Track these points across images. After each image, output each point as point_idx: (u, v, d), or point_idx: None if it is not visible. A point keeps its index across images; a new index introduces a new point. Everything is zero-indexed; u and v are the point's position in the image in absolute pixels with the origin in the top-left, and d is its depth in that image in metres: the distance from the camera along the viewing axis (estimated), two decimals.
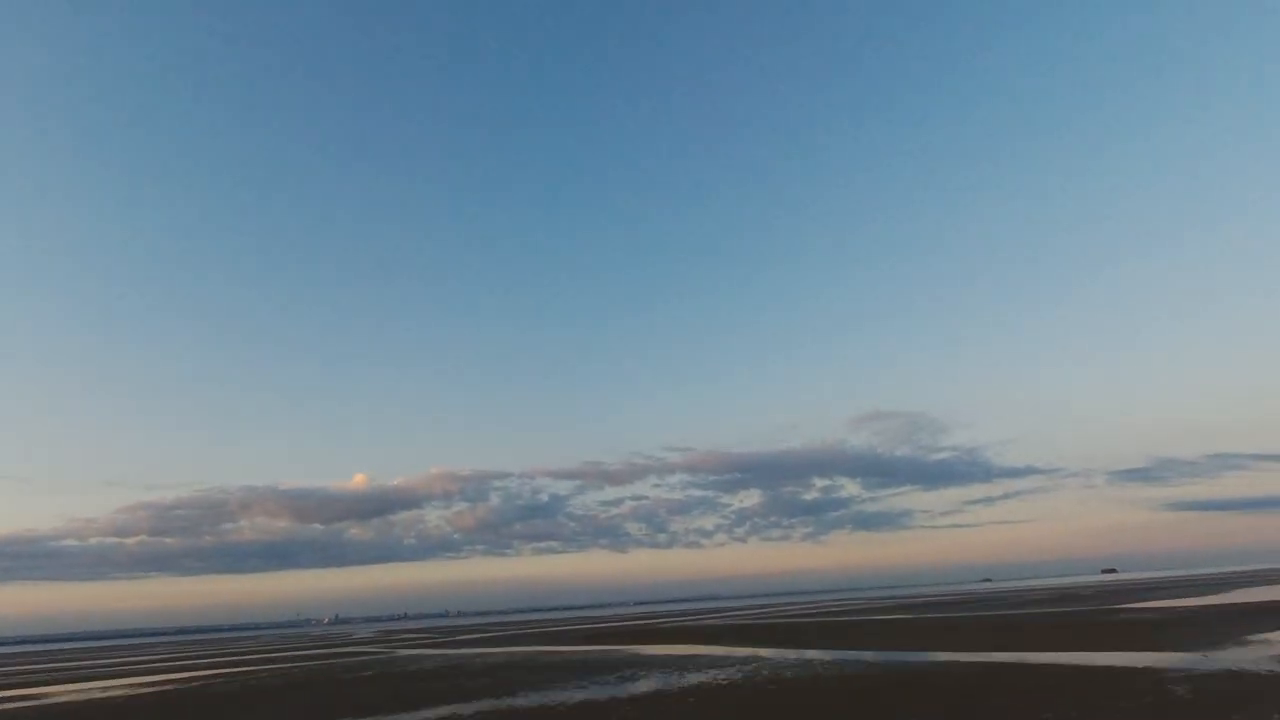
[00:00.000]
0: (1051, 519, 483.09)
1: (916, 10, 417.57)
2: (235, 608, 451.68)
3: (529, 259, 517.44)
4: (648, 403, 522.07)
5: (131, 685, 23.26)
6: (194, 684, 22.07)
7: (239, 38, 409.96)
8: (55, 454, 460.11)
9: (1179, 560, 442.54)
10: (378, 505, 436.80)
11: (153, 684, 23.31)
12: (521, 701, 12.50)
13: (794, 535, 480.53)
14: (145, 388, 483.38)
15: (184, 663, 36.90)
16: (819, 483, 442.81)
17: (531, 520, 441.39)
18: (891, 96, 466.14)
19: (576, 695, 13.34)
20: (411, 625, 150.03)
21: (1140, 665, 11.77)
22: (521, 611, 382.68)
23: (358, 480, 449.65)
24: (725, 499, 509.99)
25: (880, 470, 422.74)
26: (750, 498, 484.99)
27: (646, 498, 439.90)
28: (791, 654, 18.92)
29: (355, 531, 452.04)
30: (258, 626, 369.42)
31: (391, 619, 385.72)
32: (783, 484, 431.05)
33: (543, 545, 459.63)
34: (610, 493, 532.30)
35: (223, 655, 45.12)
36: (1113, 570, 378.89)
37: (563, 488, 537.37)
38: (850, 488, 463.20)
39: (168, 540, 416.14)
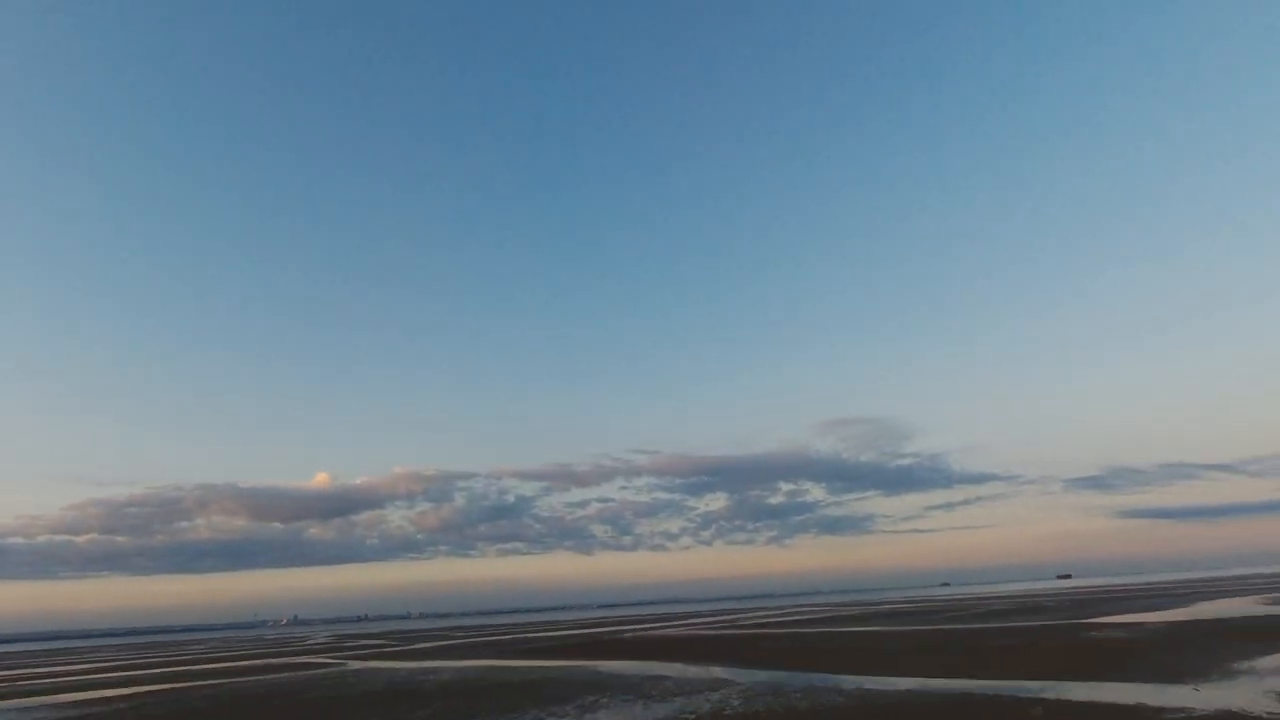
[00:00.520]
0: (1009, 525, 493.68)
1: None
2: (190, 608, 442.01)
3: (499, 261, 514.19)
4: (617, 405, 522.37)
5: (53, 707, 21.62)
6: (119, 705, 20.53)
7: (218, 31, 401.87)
8: (0, 448, 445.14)
9: (1130, 567, 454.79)
10: (339, 505, 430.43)
11: (77, 704, 21.70)
12: None
13: (759, 539, 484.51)
14: (96, 381, 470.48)
15: (121, 674, 34.96)
16: (785, 487, 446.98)
17: (497, 521, 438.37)
18: (862, 108, 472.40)
19: None
20: (371, 628, 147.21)
21: (1129, 702, 11.06)
22: (484, 614, 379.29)
23: (319, 479, 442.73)
24: (691, 502, 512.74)
25: (845, 475, 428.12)
26: (716, 501, 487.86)
27: (613, 500, 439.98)
28: (762, 676, 18.06)
29: (316, 531, 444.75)
30: (212, 628, 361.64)
31: (351, 620, 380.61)
32: (749, 488, 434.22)
33: (507, 546, 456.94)
34: (577, 494, 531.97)
35: (166, 662, 43.06)
36: (1068, 576, 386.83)
37: (529, 489, 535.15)
38: (815, 492, 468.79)
39: (119, 538, 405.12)
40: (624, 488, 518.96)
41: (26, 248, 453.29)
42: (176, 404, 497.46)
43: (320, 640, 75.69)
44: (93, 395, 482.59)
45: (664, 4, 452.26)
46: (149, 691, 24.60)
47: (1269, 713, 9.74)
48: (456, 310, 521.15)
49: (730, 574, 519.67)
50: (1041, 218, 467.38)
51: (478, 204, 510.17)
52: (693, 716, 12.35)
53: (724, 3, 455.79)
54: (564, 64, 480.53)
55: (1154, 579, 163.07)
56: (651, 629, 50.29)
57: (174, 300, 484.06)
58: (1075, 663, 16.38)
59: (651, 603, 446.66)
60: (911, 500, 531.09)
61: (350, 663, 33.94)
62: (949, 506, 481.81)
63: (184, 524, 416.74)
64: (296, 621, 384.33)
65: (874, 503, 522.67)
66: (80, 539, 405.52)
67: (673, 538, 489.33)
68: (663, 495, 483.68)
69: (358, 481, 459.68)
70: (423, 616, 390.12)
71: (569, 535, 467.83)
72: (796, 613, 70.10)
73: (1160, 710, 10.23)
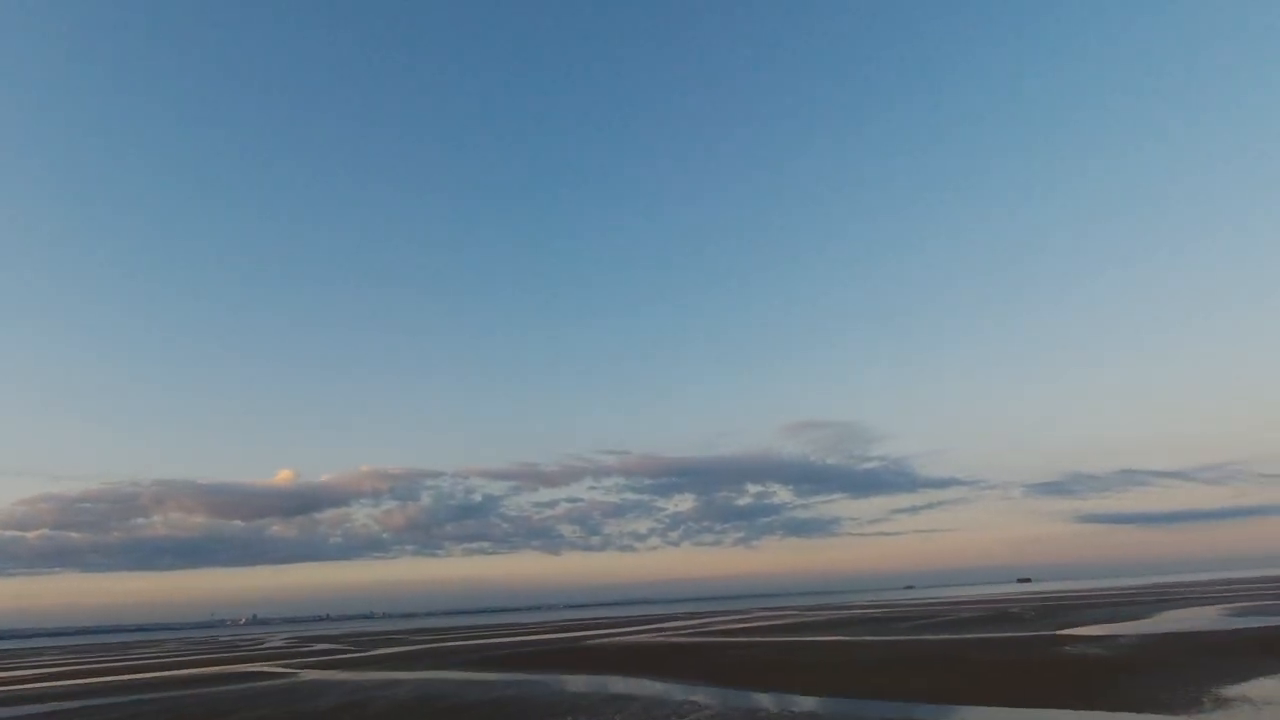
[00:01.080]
0: (971, 528, 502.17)
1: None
2: (146, 607, 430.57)
3: (472, 263, 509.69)
4: (587, 406, 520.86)
5: None
6: None
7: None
8: None
9: (1088, 571, 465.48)
10: (303, 502, 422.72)
11: None
12: None
13: (726, 540, 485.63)
14: (51, 373, 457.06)
15: (56, 684, 33.01)
16: (752, 489, 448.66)
17: (464, 520, 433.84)
18: (833, 119, 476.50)
19: None
20: (331, 629, 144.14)
21: None
22: (450, 614, 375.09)
23: (282, 476, 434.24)
24: (660, 503, 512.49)
25: (811, 478, 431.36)
26: (685, 502, 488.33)
27: (581, 500, 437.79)
28: (733, 695, 17.17)
29: (278, 529, 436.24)
30: (168, 627, 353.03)
31: (312, 620, 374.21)
32: (717, 489, 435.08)
33: (474, 546, 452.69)
34: (545, 494, 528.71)
35: (109, 669, 40.94)
36: (1028, 579, 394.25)
37: (497, 488, 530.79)
38: (782, 494, 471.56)
39: (73, 535, 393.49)
40: (593, 488, 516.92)
41: None
42: (135, 398, 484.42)
43: (276, 643, 73.42)
44: (47, 388, 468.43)
45: (628, 19, 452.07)
46: (78, 710, 22.98)
47: None
48: (427, 310, 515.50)
49: (698, 575, 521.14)
50: (1007, 232, 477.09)
51: (450, 205, 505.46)
52: None
53: (683, 21, 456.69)
54: (549, 68, 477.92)
55: (1112, 584, 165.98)
56: (619, 635, 49.27)
57: (133, 293, 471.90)
58: (1062, 685, 15.71)
59: (619, 603, 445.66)
60: (877, 503, 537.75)
61: (303, 672, 32.42)
62: (913, 510, 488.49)
63: (140, 520, 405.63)
64: (255, 621, 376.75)
65: (840, 505, 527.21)
66: (31, 535, 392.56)
67: (641, 538, 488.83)
68: (631, 496, 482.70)
69: (322, 479, 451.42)
70: (386, 617, 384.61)
71: (537, 535, 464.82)
72: (766, 617, 69.58)
73: None
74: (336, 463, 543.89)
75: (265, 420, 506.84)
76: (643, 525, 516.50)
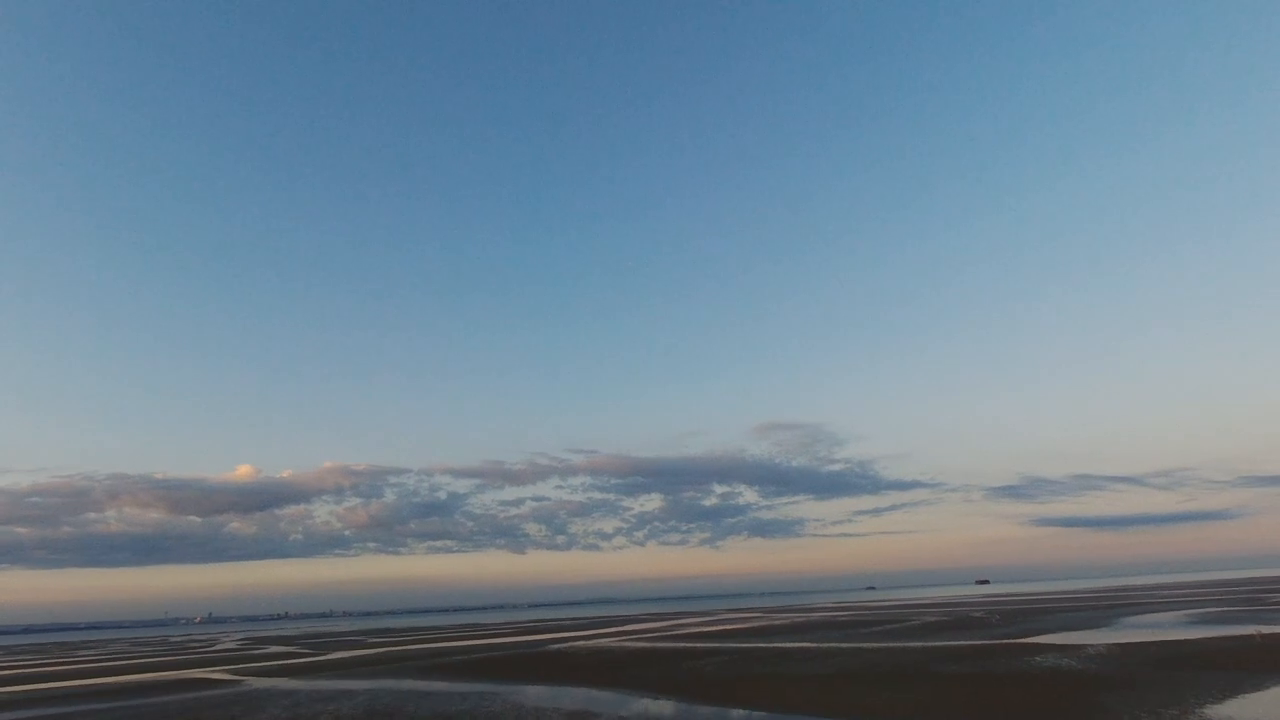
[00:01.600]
0: (932, 530, 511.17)
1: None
2: (97, 604, 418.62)
3: (441, 260, 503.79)
4: (555, 405, 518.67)
5: None
6: None
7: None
8: None
9: (1043, 573, 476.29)
10: (263, 498, 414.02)
11: None
12: None
13: (692, 540, 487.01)
14: (2, 363, 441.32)
15: None
16: (719, 489, 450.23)
17: (428, 518, 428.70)
18: (802, 129, 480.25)
19: None
20: (288, 629, 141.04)
21: None
22: (412, 613, 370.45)
23: (242, 471, 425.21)
24: (626, 502, 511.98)
25: (777, 479, 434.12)
26: (651, 502, 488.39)
27: (548, 499, 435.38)
28: (699, 713, 16.34)
29: (236, 525, 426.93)
30: (120, 625, 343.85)
31: (270, 619, 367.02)
32: (684, 489, 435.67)
33: (438, 544, 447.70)
34: (511, 492, 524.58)
35: (44, 674, 38.77)
36: (986, 581, 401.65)
37: (462, 486, 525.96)
38: (748, 495, 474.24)
39: (20, 529, 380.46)
40: (559, 487, 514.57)
41: None
42: (89, 389, 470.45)
43: (229, 645, 71.07)
44: None
45: (578, 28, 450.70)
46: None
47: None
48: (395, 307, 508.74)
49: (663, 574, 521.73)
50: (972, 245, 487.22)
51: (420, 205, 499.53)
52: None
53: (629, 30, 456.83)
54: (524, 72, 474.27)
55: (1068, 586, 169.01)
56: (583, 637, 48.30)
57: (89, 284, 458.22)
58: (1042, 703, 15.13)
59: (584, 603, 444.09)
60: (841, 505, 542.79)
61: (249, 680, 30.90)
62: (876, 512, 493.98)
63: (93, 515, 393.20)
64: (212, 619, 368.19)
65: (805, 507, 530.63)
66: None
67: (606, 537, 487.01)
68: (598, 495, 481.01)
69: (283, 475, 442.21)
70: (347, 615, 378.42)
71: (502, 533, 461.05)
72: (731, 620, 69.05)
73: None
74: (298, 458, 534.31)
75: (225, 414, 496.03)
76: (609, 525, 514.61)
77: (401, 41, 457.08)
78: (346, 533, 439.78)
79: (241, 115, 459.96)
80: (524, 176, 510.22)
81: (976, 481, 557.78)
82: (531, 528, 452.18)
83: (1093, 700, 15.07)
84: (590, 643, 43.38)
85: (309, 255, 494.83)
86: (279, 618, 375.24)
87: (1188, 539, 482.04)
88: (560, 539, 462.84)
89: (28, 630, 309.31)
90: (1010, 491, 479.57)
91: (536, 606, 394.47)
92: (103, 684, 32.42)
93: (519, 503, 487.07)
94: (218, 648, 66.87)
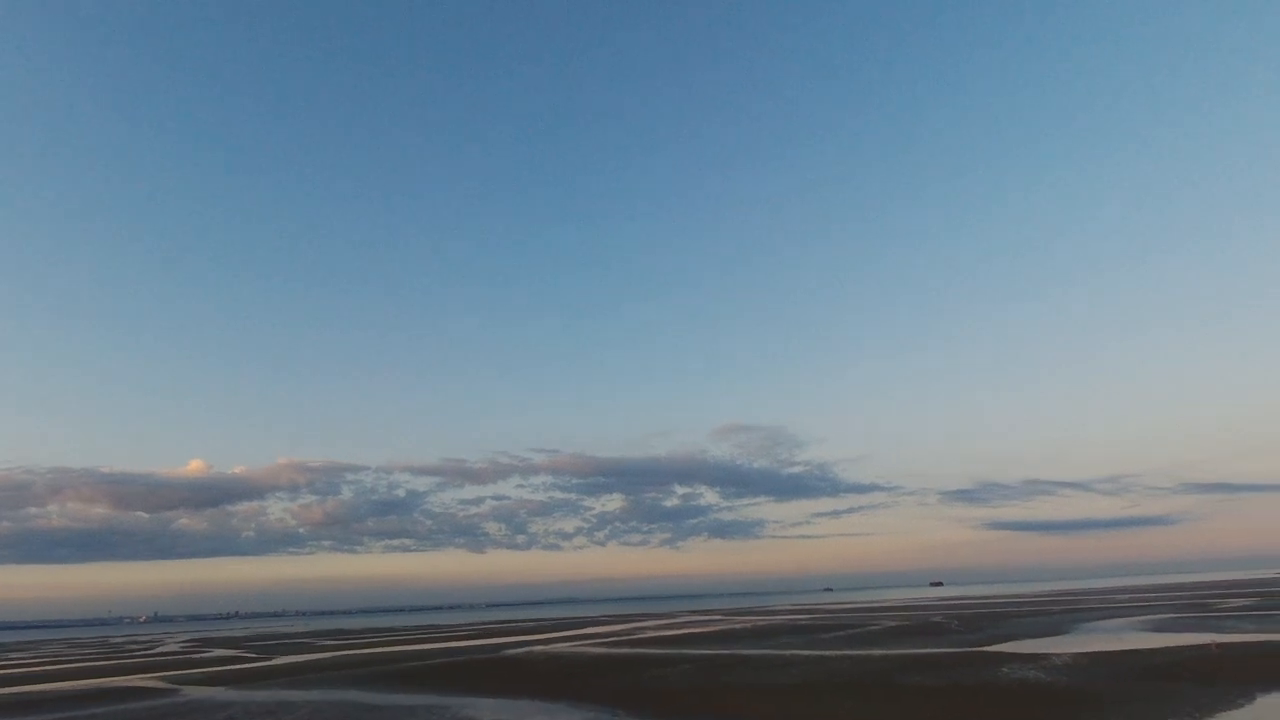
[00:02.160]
0: (889, 533, 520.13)
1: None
2: (38, 602, 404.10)
3: (400, 257, 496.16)
4: (517, 404, 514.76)
5: None
6: None
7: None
8: None
9: (995, 576, 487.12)
10: (214, 494, 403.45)
11: None
12: None
13: (652, 540, 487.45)
14: None
15: None
16: (680, 490, 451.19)
17: (385, 516, 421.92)
18: (769, 135, 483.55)
19: None
20: (236, 629, 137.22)
21: None
22: (367, 613, 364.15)
23: (193, 466, 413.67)
24: (588, 502, 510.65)
25: (738, 481, 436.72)
26: (613, 502, 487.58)
27: (508, 498, 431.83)
28: None
29: (186, 522, 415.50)
30: (60, 625, 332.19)
31: (219, 619, 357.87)
32: (645, 490, 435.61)
33: (395, 543, 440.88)
34: (471, 491, 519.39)
35: None
36: (939, 583, 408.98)
37: (422, 484, 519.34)
38: (709, 496, 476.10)
39: None
40: (520, 486, 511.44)
41: None
42: (30, 377, 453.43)
43: (170, 647, 68.32)
44: None
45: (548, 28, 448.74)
46: None
47: None
48: (354, 300, 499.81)
49: (623, 574, 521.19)
50: (930, 255, 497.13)
51: (378, 200, 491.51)
52: None
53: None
54: (502, 69, 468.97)
55: (1020, 589, 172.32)
56: (540, 641, 47.15)
57: (26, 266, 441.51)
58: None
59: (543, 603, 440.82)
60: (800, 507, 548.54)
61: (185, 689, 29.23)
62: (835, 514, 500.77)
63: (34, 510, 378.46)
64: (157, 619, 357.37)
65: (765, 508, 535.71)
66: None
67: (567, 537, 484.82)
68: (559, 494, 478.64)
69: (236, 470, 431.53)
70: (300, 615, 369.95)
71: (461, 532, 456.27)
72: (692, 623, 68.40)
73: None
74: (252, 454, 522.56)
75: (177, 407, 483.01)
76: (569, 524, 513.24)
77: (386, 34, 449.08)
78: (301, 530, 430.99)
79: (200, 99, 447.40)
80: (492, 176, 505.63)
81: (932, 485, 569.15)
82: (491, 527, 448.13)
83: (1055, 715, 14.58)
84: (548, 647, 42.28)
85: (266, 246, 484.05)
86: (229, 617, 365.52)
87: (1132, 543, 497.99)
88: (520, 538, 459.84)
89: None
90: (964, 496, 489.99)
91: (495, 606, 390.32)
92: (24, 693, 30.36)
93: (479, 501, 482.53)
94: (158, 650, 64.21)
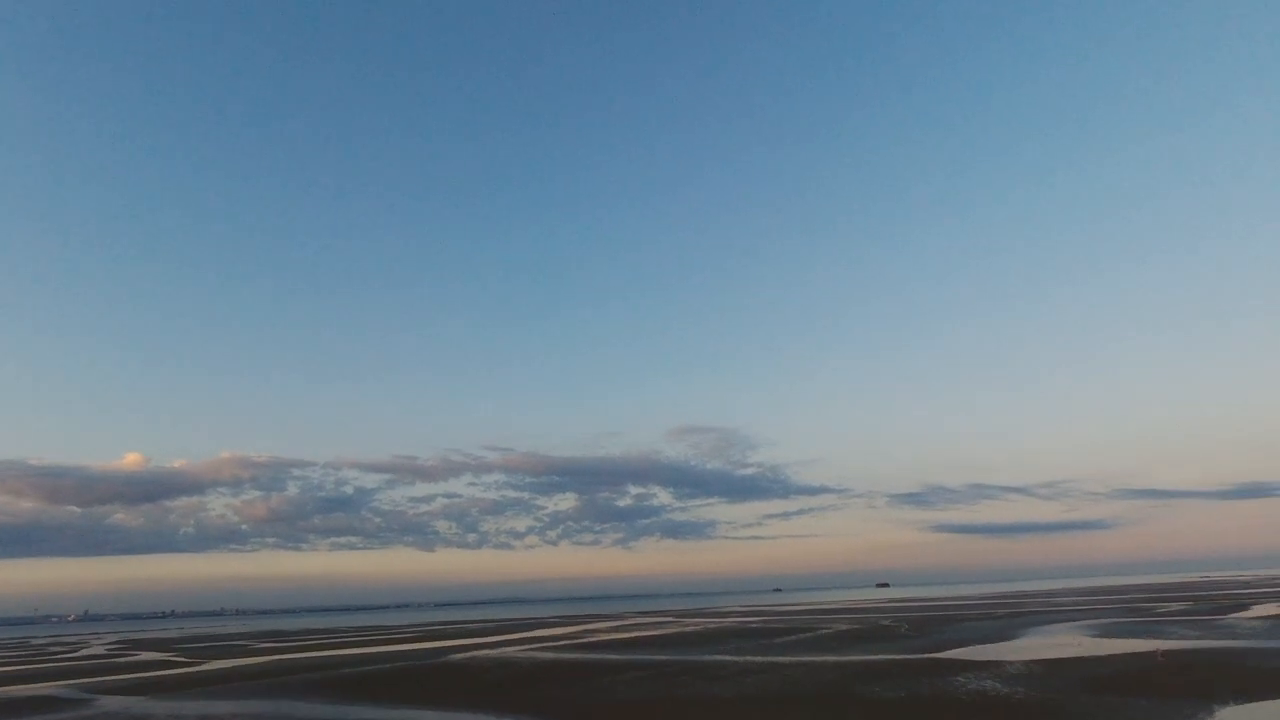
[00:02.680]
0: (838, 534, 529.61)
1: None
2: None
3: (352, 252, 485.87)
4: (470, 401, 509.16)
5: None
6: None
7: None
8: None
9: (939, 577, 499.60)
10: (151, 489, 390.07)
11: None
12: None
13: (605, 540, 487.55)
14: None
15: None
16: (633, 490, 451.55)
17: (332, 514, 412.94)
18: (731, 142, 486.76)
19: None
20: (170, 630, 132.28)
21: None
22: (311, 612, 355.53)
23: (130, 459, 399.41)
24: (540, 501, 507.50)
25: (691, 481, 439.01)
26: (566, 501, 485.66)
27: (460, 496, 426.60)
28: None
29: (121, 517, 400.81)
30: None
31: (153, 617, 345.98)
32: (599, 489, 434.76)
33: (342, 540, 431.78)
34: (421, 489, 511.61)
35: None
36: (886, 584, 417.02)
37: (370, 481, 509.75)
38: (662, 496, 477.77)
39: None
40: (472, 484, 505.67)
41: None
42: None
43: (95, 650, 64.98)
44: None
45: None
46: None
47: None
48: (303, 295, 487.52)
49: (575, 574, 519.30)
50: (879, 266, 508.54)
51: (333, 197, 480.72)
52: None
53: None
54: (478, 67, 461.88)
55: (964, 591, 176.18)
56: (488, 645, 45.84)
57: None
58: None
59: (494, 602, 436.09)
60: (752, 508, 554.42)
61: (102, 699, 27.29)
62: (785, 515, 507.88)
63: None
64: (88, 618, 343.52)
65: (717, 509, 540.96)
66: None
67: (519, 536, 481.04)
68: (511, 493, 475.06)
69: (176, 464, 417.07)
70: (239, 614, 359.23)
71: (410, 530, 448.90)
72: (643, 625, 67.68)
73: None
74: (193, 447, 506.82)
75: (113, 397, 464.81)
76: (521, 523, 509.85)
77: (371, 29, 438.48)
78: (244, 527, 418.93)
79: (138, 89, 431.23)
80: (444, 176, 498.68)
81: (881, 488, 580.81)
82: (442, 525, 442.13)
83: None
84: (495, 651, 41.04)
85: (212, 238, 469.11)
86: (164, 616, 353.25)
87: (1070, 546, 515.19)
88: (471, 537, 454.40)
89: None
90: (912, 499, 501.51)
91: (444, 606, 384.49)
92: None
93: (430, 499, 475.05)
94: (83, 653, 61.02)
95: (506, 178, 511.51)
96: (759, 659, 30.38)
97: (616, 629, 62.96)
